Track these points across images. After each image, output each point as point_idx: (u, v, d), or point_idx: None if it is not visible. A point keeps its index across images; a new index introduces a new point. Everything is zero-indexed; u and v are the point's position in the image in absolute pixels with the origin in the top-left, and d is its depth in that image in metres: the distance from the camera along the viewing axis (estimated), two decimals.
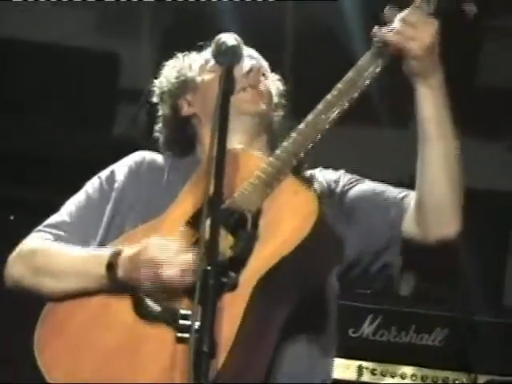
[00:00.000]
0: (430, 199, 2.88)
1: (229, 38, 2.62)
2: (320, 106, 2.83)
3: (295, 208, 2.73)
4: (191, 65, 3.18)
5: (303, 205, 2.73)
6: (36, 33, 6.00)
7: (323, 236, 2.71)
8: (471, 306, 5.20)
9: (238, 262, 2.67)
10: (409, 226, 2.93)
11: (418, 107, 2.85)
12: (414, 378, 5.02)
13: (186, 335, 2.45)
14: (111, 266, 2.77)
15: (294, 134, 2.83)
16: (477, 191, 5.96)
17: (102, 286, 2.80)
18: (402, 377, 5.02)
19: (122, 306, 2.77)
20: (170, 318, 2.67)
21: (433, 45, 2.76)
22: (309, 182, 2.93)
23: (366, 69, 2.83)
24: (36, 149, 5.58)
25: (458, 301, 5.24)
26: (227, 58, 2.59)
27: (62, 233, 3.01)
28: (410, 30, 2.75)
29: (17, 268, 2.99)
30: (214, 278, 2.30)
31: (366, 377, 5.02)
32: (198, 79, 3.14)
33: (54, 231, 3.02)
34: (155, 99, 3.23)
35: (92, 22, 5.88)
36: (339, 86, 2.84)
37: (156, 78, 3.24)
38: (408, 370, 5.03)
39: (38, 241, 3.00)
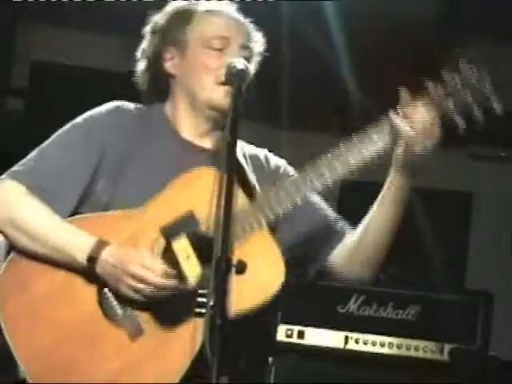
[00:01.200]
0: (366, 248, 2.75)
1: (238, 63, 2.62)
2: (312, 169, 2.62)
3: (263, 275, 2.54)
4: (189, 25, 2.80)
5: (271, 276, 2.56)
6: (77, 57, 5.98)
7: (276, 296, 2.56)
8: (439, 288, 5.21)
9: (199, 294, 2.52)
10: (336, 257, 2.80)
11: (388, 186, 2.67)
12: (390, 345, 5.02)
13: (203, 310, 2.40)
14: (92, 259, 2.56)
15: (273, 194, 2.60)
16: (442, 191, 6.00)
17: (76, 268, 2.60)
18: (381, 345, 5.03)
19: (88, 292, 2.61)
20: (128, 325, 2.56)
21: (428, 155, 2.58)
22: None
23: (367, 146, 2.61)
24: None
25: (427, 283, 5.24)
26: (237, 79, 2.57)
27: (41, 181, 2.68)
28: (421, 136, 2.55)
29: None
30: (225, 263, 2.23)
31: (350, 345, 5.01)
32: (189, 49, 2.81)
33: (35, 179, 2.69)
34: (147, 29, 2.88)
35: (119, 48, 5.88)
36: (338, 151, 2.60)
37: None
38: (386, 339, 5.03)
39: (18, 191, 2.67)
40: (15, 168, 2.72)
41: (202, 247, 2.52)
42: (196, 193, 2.61)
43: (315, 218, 2.83)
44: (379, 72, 5.02)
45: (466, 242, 6.10)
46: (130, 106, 2.85)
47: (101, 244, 2.58)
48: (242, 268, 2.45)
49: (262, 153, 2.94)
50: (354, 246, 2.77)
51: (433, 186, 5.89)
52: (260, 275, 2.52)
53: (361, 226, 2.76)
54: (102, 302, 2.60)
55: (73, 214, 2.70)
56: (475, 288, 5.62)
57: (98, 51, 5.95)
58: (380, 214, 2.72)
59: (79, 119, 2.80)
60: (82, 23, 5.89)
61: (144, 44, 2.86)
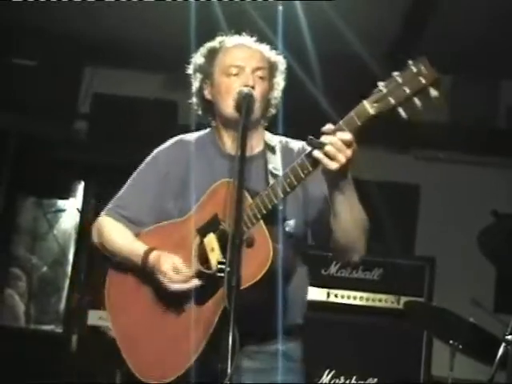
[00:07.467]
0: (342, 240, 2.53)
1: (246, 90, 2.57)
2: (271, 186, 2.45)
3: (256, 254, 2.39)
4: (214, 60, 2.71)
5: (262, 255, 2.40)
6: (127, 89, 5.95)
7: (270, 273, 2.41)
8: (396, 255, 5.21)
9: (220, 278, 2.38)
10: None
11: (331, 198, 2.43)
12: (361, 298, 5.03)
13: (222, 274, 2.29)
14: (143, 263, 2.60)
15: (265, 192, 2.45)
16: (397, 183, 6.00)
17: (139, 267, 2.64)
18: (354, 298, 5.03)
19: (149, 285, 2.64)
20: (171, 306, 2.57)
21: (347, 164, 2.29)
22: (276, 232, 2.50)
23: (297, 171, 2.39)
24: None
25: (387, 252, 5.24)
26: (244, 102, 2.52)
27: (125, 213, 2.75)
28: (333, 151, 2.27)
29: (94, 235, 2.81)
30: (238, 238, 2.20)
31: (331, 298, 5.03)
32: (215, 78, 2.70)
33: (120, 211, 2.76)
34: (190, 69, 2.78)
35: (160, 82, 5.88)
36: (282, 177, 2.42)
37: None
38: (357, 293, 5.03)
39: (107, 222, 2.77)
40: (109, 206, 2.80)
41: (223, 240, 2.47)
42: (220, 199, 2.54)
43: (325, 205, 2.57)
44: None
45: (415, 221, 6.07)
46: (187, 136, 2.80)
47: (147, 252, 2.62)
48: (251, 242, 2.42)
49: (299, 145, 2.75)
50: (334, 241, 2.56)
51: (390, 179, 5.92)
52: (257, 259, 2.40)
53: (332, 225, 2.53)
54: (156, 290, 2.62)
55: None
56: (422, 254, 5.61)
57: (144, 84, 5.95)
58: (338, 217, 2.47)
59: (147, 159, 2.80)
60: (132, 63, 5.89)
61: (193, 81, 2.76)
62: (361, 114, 2.27)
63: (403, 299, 4.93)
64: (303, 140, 2.58)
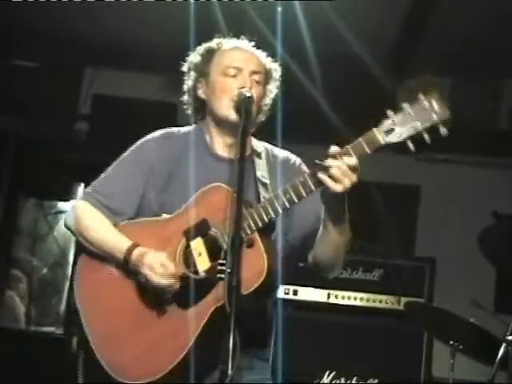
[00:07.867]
0: (326, 256, 2.56)
1: (246, 92, 2.55)
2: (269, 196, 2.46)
3: (252, 262, 2.35)
4: (212, 60, 2.69)
5: (257, 264, 2.38)
6: (127, 90, 5.96)
7: (267, 281, 2.41)
8: (396, 256, 5.20)
9: (208, 283, 2.42)
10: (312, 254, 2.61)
11: (325, 217, 2.45)
12: (361, 299, 5.01)
13: (223, 276, 2.27)
14: (126, 259, 2.52)
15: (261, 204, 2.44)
16: (398, 184, 6.00)
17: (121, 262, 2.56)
18: (354, 299, 5.01)
19: (130, 281, 2.56)
20: (155, 305, 2.50)
21: (348, 188, 2.31)
22: (271, 243, 2.50)
23: (301, 190, 2.38)
24: None
25: (388, 252, 5.23)
26: (244, 104, 2.51)
27: (106, 202, 2.64)
28: (338, 174, 2.29)
29: (70, 222, 2.68)
30: (238, 240, 2.20)
31: (331, 299, 5.00)
32: (211, 77, 2.67)
33: (100, 199, 2.65)
34: (185, 67, 2.75)
35: (160, 84, 5.87)
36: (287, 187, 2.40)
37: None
38: (358, 294, 5.01)
39: (86, 208, 2.66)
40: (87, 190, 2.70)
41: (212, 246, 2.45)
42: (211, 204, 2.50)
43: (318, 216, 2.54)
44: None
45: (415, 221, 6.07)
46: (175, 130, 2.74)
47: (131, 247, 2.53)
48: (251, 243, 2.40)
49: (283, 154, 2.75)
50: (314, 256, 2.60)
51: (390, 180, 5.91)
52: (254, 268, 2.37)
53: (316, 242, 2.56)
54: (138, 286, 2.54)
55: (132, 219, 2.65)
56: (422, 255, 5.60)
57: (144, 86, 5.95)
58: (325, 238, 2.52)
59: (133, 147, 2.72)
60: (132, 64, 5.89)
61: (186, 79, 2.74)
62: (370, 142, 2.29)
63: (403, 300, 4.90)
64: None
